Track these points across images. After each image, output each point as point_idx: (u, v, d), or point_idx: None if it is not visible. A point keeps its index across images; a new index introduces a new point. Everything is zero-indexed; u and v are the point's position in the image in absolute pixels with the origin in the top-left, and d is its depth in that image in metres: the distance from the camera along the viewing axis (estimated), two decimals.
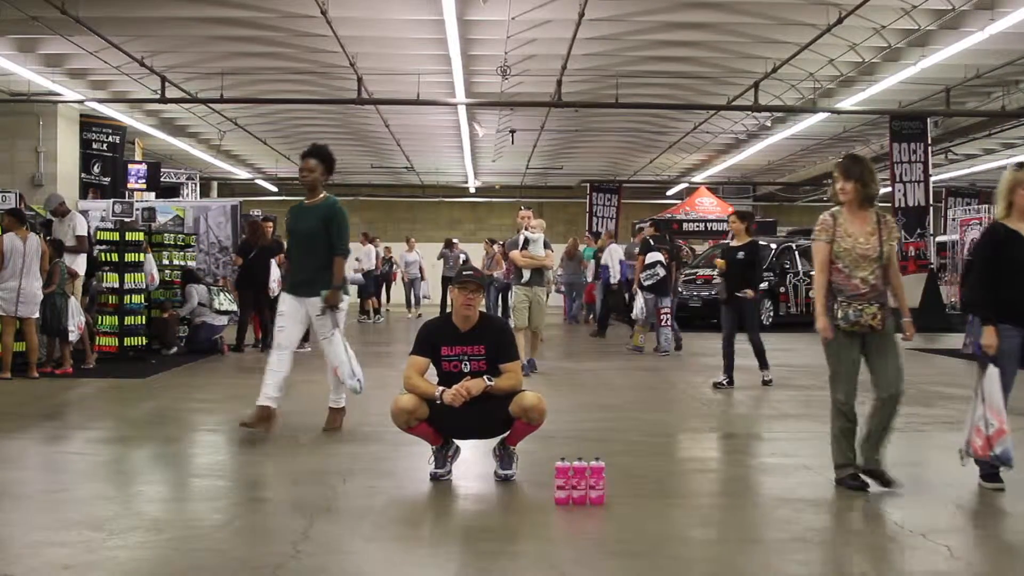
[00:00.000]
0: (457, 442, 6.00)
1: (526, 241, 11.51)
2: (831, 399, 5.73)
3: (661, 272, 14.21)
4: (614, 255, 18.25)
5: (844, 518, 5.19)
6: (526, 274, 11.44)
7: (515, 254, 11.53)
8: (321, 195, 7.61)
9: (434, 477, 5.80)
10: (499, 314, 19.51)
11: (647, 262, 14.38)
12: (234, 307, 14.63)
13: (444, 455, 5.90)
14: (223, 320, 14.37)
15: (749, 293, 10.36)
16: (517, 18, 13.79)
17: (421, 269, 24.15)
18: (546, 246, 11.64)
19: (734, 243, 10.83)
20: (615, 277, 18.14)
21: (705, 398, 9.73)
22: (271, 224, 15.77)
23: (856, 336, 5.63)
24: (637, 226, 19.01)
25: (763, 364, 10.53)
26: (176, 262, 14.43)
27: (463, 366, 5.74)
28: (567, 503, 5.24)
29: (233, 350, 14.11)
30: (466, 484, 5.79)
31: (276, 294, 14.63)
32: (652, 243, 14.83)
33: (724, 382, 10.32)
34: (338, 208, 7.59)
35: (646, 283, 14.28)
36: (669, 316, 14.38)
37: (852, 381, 5.67)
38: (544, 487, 5.45)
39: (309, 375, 11.62)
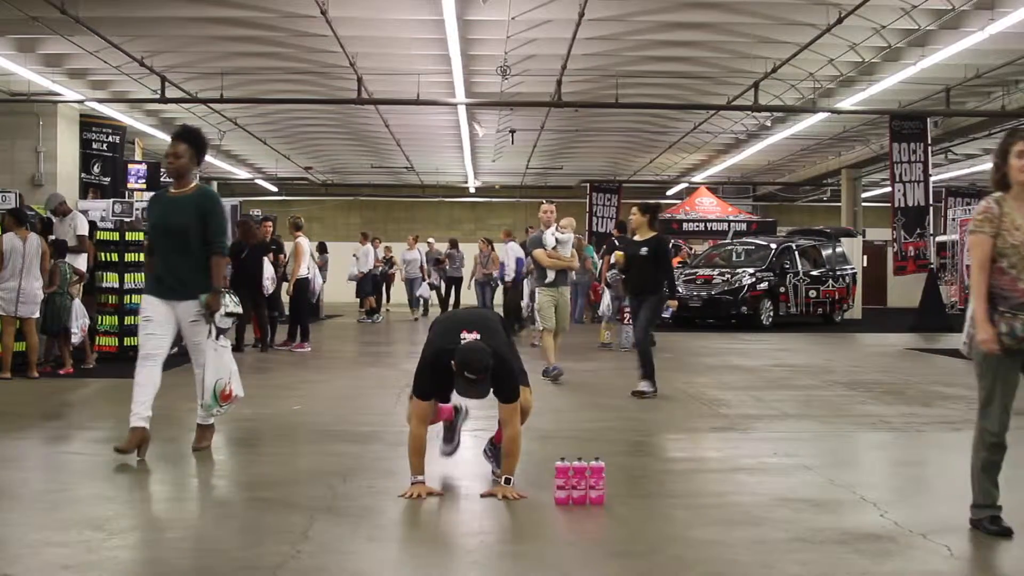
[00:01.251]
0: (462, 413, 6.11)
1: (556, 243, 10.86)
2: (977, 428, 4.83)
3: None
4: (511, 253, 18.21)
5: (844, 518, 5.18)
6: (550, 274, 10.82)
7: (539, 253, 10.84)
8: (192, 184, 6.70)
9: (444, 454, 5.86)
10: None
11: (612, 262, 14.79)
12: (239, 309, 14.59)
13: (452, 428, 6.05)
14: (228, 323, 14.32)
15: (674, 305, 9.98)
16: (517, 18, 13.80)
17: (422, 268, 24.06)
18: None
19: (636, 238, 9.93)
20: (510, 275, 18.16)
21: (704, 398, 9.72)
22: (270, 224, 15.76)
23: (1018, 355, 4.70)
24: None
25: (645, 373, 9.45)
26: None
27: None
28: (567, 503, 5.24)
29: (233, 350, 14.08)
30: (466, 484, 5.78)
31: (271, 292, 14.69)
32: (617, 244, 15.50)
33: (647, 391, 9.41)
34: (216, 199, 6.75)
35: (611, 282, 14.89)
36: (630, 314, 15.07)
37: (1008, 409, 4.76)
38: (544, 487, 5.45)
39: (309, 375, 11.67)
